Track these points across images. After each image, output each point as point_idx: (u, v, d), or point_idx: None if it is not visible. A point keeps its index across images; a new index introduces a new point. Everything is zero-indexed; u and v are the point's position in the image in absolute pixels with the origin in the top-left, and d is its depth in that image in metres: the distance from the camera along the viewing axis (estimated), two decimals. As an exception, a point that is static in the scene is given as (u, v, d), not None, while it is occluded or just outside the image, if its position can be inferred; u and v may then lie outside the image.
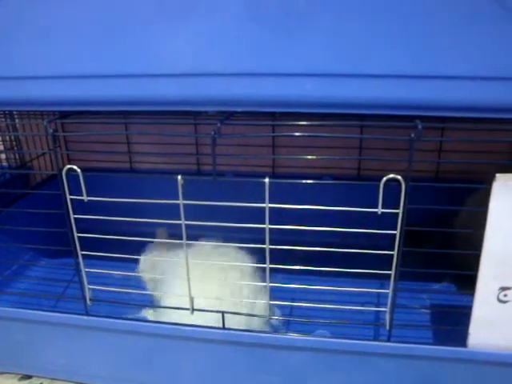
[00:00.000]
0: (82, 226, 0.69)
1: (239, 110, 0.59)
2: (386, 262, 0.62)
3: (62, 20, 0.56)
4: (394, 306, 0.65)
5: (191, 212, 0.64)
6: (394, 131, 0.63)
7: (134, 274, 0.85)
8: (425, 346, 0.65)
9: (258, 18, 0.52)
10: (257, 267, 0.80)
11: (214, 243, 0.83)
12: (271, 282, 0.68)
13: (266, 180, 0.60)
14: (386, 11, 0.50)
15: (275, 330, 0.78)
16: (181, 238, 0.66)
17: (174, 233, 0.67)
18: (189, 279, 0.69)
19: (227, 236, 0.81)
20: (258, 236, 0.65)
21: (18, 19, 0.57)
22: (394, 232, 0.60)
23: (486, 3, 0.47)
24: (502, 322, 0.61)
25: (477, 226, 0.59)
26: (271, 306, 0.78)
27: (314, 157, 0.65)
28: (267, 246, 0.65)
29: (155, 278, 0.87)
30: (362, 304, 0.78)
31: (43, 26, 0.56)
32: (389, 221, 0.60)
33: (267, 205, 0.62)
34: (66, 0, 0.55)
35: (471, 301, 0.61)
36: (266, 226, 0.64)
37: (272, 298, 0.70)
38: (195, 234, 0.70)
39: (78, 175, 0.64)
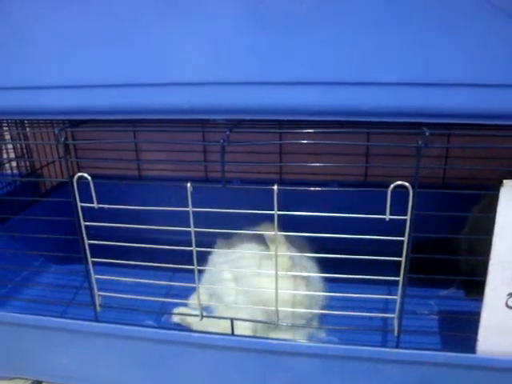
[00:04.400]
0: (92, 232, 0.70)
1: (247, 118, 0.60)
2: (393, 268, 0.63)
3: (72, 30, 0.57)
4: (402, 312, 0.65)
5: (200, 218, 0.65)
6: (401, 138, 0.63)
7: (143, 280, 0.85)
8: (433, 352, 0.65)
9: (265, 27, 0.53)
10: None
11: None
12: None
13: (275, 187, 0.60)
14: (392, 19, 0.50)
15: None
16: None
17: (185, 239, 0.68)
18: (197, 286, 0.70)
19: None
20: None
21: (29, 30, 0.58)
22: (402, 238, 0.60)
23: (491, 12, 0.48)
24: (510, 328, 0.61)
25: (483, 234, 0.59)
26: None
27: (321, 164, 0.65)
28: (276, 254, 0.65)
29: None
30: (370, 310, 0.78)
31: (54, 36, 0.57)
32: (397, 226, 0.60)
33: (276, 212, 0.62)
34: (76, 10, 0.56)
35: (479, 307, 0.61)
36: (275, 232, 0.64)
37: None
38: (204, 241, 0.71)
39: (87, 182, 0.64)
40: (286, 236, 0.74)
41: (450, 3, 0.49)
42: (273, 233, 0.65)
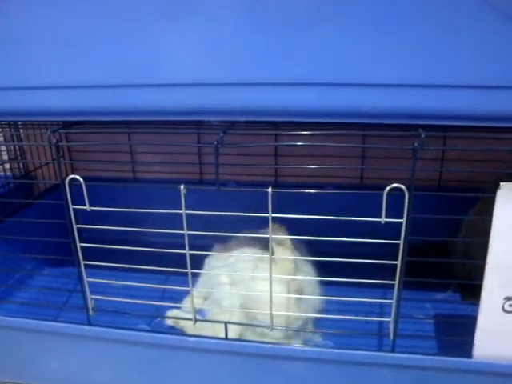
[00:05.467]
0: (85, 235, 0.69)
1: (242, 119, 0.59)
2: (389, 271, 0.62)
3: (66, 31, 0.56)
4: (397, 315, 0.64)
5: (195, 220, 0.64)
6: (397, 140, 0.63)
7: (136, 283, 0.85)
8: (429, 356, 0.64)
9: (261, 28, 0.52)
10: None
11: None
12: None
13: (269, 190, 0.60)
14: (389, 21, 0.50)
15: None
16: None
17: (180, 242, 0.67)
18: (191, 289, 0.69)
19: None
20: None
21: (22, 30, 0.57)
22: (398, 241, 0.59)
23: (488, 14, 0.47)
24: (507, 332, 0.60)
25: (479, 237, 0.59)
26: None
27: (317, 166, 0.65)
28: (270, 256, 0.65)
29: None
30: (366, 313, 0.78)
31: (47, 37, 0.57)
32: (392, 229, 0.59)
33: (270, 214, 0.61)
34: (70, 11, 0.55)
35: (476, 310, 0.60)
36: (270, 236, 0.64)
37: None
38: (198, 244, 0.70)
39: (80, 185, 0.64)
40: (291, 240, 0.74)
41: (448, 5, 0.48)
42: (267, 236, 0.64)
